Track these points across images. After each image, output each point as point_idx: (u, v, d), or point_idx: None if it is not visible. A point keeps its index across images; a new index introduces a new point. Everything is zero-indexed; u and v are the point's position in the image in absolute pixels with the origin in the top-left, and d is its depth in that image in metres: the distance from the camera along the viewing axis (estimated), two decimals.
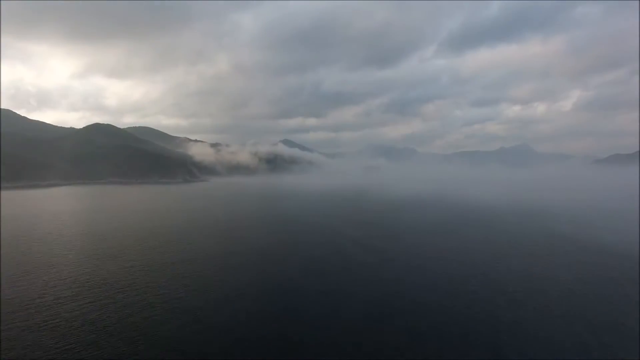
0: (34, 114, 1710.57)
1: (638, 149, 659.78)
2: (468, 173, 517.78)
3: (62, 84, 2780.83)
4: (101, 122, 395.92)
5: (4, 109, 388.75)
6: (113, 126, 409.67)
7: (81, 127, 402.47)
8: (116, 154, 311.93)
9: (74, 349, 31.23)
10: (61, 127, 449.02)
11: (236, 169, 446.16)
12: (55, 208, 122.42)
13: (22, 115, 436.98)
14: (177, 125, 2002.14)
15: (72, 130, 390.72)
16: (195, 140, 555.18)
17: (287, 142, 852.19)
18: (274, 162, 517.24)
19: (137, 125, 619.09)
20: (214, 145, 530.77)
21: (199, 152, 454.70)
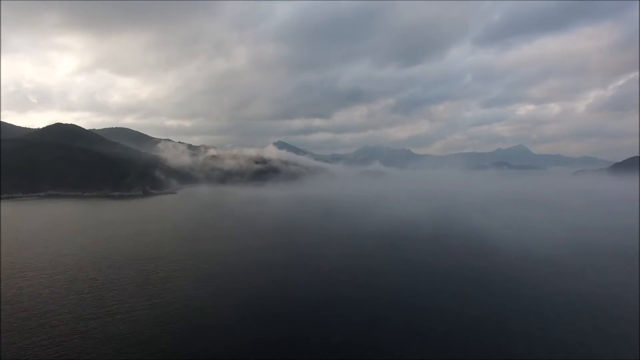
0: (32, 113, 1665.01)
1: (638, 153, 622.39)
2: (457, 177, 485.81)
3: (66, 80, 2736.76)
4: (63, 122, 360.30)
5: None
6: (77, 126, 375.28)
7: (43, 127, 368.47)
8: (68, 159, 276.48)
9: None
10: (25, 128, 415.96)
11: (214, 175, 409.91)
12: None
13: None
14: (179, 125, 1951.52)
15: (25, 132, 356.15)
16: (179, 142, 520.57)
17: (280, 144, 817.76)
18: (258, 166, 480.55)
19: (112, 127, 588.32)
20: (193, 148, 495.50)
21: (174, 156, 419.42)
